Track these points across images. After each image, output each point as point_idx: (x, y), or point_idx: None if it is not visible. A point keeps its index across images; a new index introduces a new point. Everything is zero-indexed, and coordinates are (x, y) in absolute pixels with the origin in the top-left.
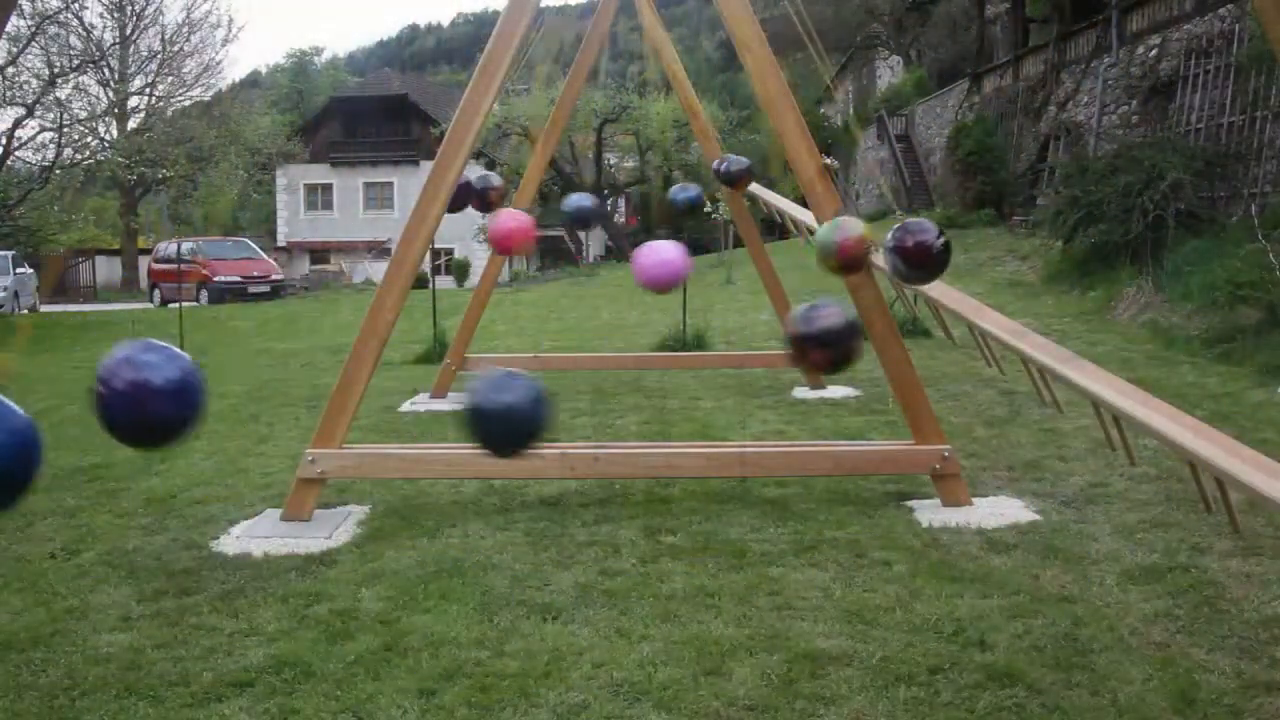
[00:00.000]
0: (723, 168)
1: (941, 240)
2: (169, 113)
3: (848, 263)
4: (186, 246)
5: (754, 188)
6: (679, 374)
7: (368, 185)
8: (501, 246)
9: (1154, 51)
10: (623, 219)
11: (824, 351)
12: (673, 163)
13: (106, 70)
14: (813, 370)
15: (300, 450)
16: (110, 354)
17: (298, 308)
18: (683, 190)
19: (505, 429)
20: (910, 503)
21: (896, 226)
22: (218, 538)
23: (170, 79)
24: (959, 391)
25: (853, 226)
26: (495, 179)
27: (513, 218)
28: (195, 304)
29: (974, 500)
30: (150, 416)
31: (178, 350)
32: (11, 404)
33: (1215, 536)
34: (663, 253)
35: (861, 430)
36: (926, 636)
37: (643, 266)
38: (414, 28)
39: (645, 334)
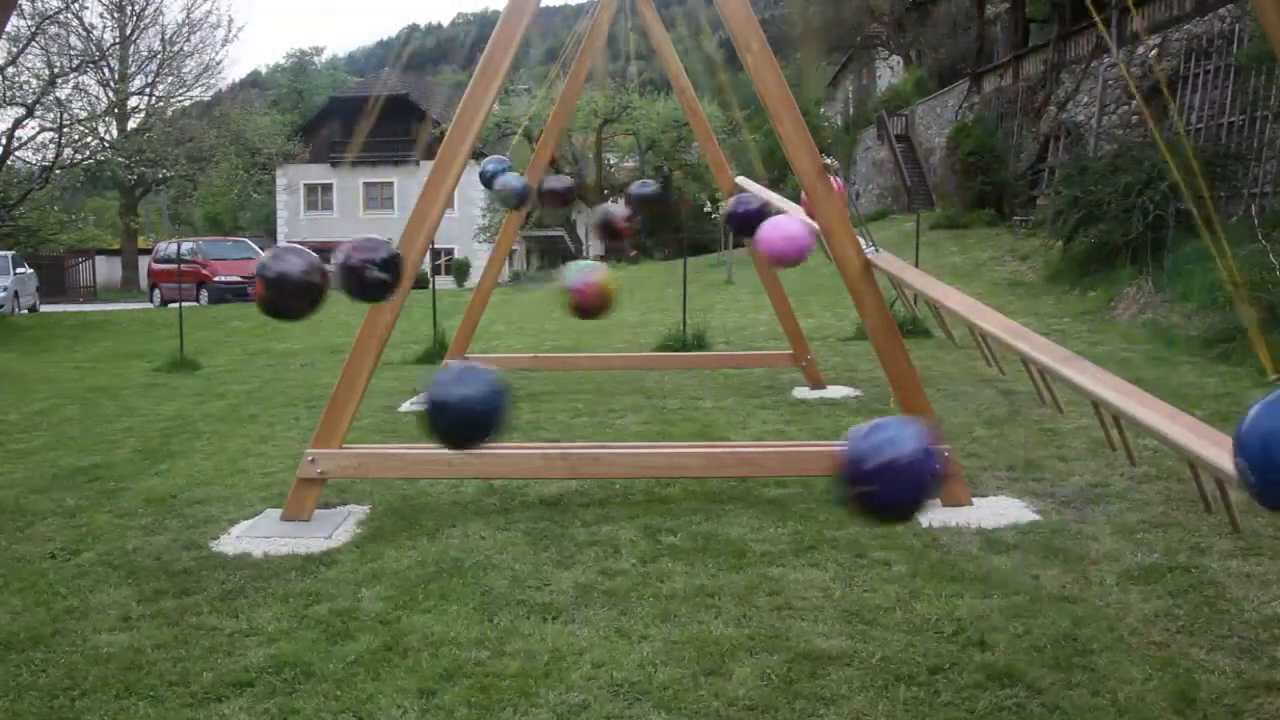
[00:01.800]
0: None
1: (374, 275)
2: (169, 113)
3: (579, 306)
4: (186, 246)
5: (752, 186)
6: (679, 374)
7: (368, 185)
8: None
9: (1154, 51)
10: None
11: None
12: (673, 163)
13: (106, 70)
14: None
15: (300, 450)
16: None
17: None
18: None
19: (463, 422)
20: None
21: (355, 241)
22: (218, 538)
23: (170, 79)
24: (959, 391)
25: (598, 273)
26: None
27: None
28: (195, 304)
29: (974, 500)
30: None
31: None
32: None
33: (1215, 536)
34: (786, 228)
35: None
36: (926, 636)
37: (768, 241)
38: (414, 28)
39: (645, 334)
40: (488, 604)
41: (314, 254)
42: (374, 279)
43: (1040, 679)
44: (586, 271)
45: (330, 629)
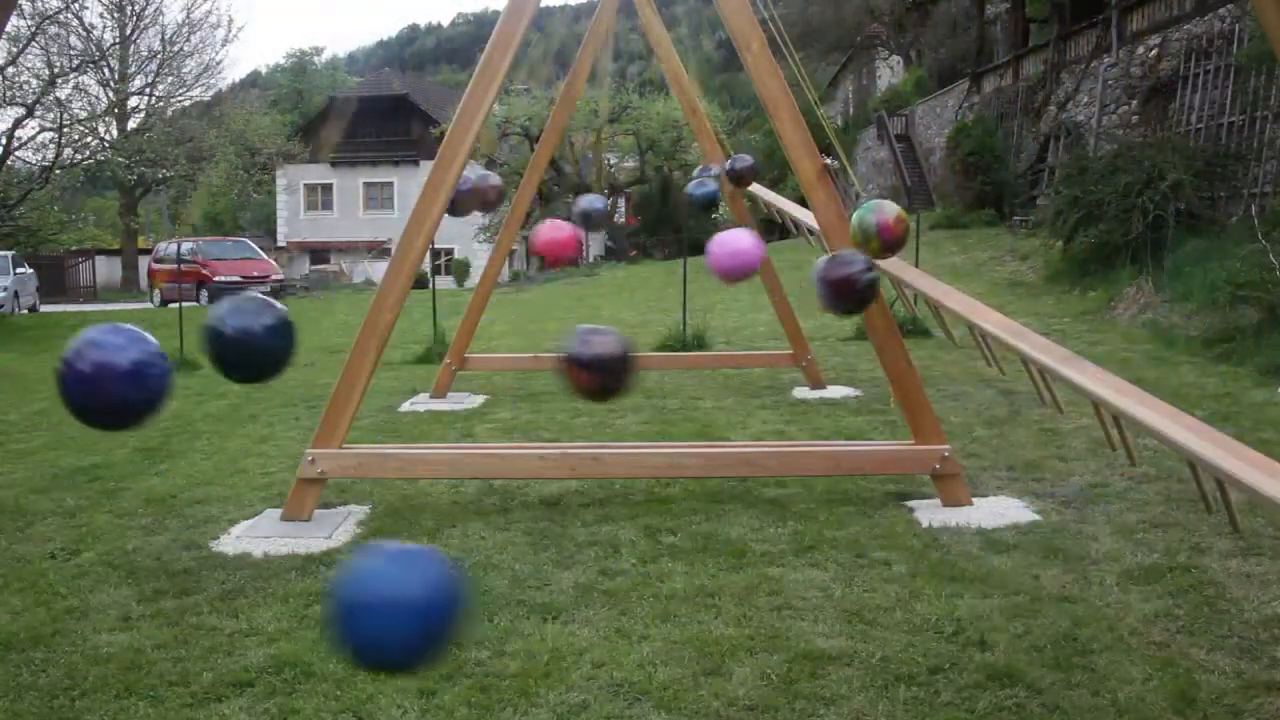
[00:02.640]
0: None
1: (868, 276)
2: (169, 113)
3: (890, 243)
4: (186, 246)
5: (754, 187)
6: (679, 374)
7: (368, 185)
8: (549, 258)
9: (1154, 51)
10: (623, 219)
11: (593, 376)
12: (674, 163)
13: (106, 70)
14: (581, 393)
15: (300, 450)
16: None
17: (297, 308)
18: (699, 186)
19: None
20: (910, 503)
21: (829, 256)
22: (218, 538)
23: (170, 79)
24: (959, 391)
25: (889, 208)
26: (494, 177)
27: (555, 229)
28: (195, 304)
29: (974, 500)
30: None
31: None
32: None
33: (1215, 536)
34: (735, 243)
35: (861, 430)
36: (926, 636)
37: (715, 257)
38: (414, 28)
39: (645, 334)
40: (488, 604)
41: (613, 330)
42: (869, 281)
43: (1040, 679)
44: (876, 211)
45: None
